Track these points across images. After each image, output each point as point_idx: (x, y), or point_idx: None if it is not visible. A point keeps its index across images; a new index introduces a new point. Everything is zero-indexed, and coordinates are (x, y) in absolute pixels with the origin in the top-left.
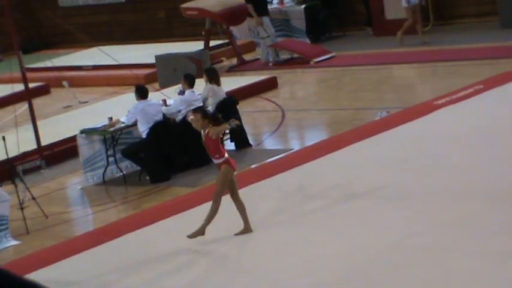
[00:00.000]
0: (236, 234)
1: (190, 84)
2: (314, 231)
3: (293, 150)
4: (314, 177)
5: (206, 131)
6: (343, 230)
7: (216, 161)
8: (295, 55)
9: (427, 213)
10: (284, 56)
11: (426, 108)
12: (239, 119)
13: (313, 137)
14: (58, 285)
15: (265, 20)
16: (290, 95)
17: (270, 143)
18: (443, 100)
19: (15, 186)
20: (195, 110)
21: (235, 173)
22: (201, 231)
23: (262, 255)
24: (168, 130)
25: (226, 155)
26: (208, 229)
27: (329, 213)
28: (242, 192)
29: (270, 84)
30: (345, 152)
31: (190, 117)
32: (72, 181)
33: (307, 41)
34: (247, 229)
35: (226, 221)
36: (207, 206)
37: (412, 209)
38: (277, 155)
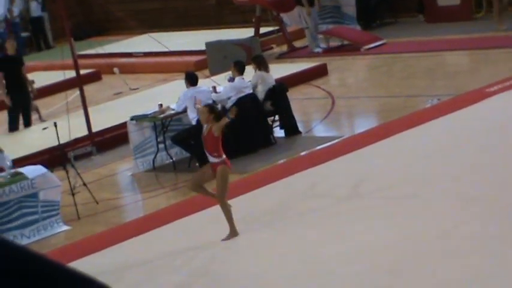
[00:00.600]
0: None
1: (240, 71)
2: (364, 218)
3: (343, 138)
4: (364, 164)
5: (209, 126)
6: (394, 218)
7: (212, 160)
8: (346, 42)
9: (477, 201)
10: (334, 42)
11: (478, 95)
12: (288, 106)
13: (363, 124)
14: (108, 271)
15: (312, 11)
16: (340, 82)
17: (319, 130)
18: (495, 87)
19: (67, 172)
20: (206, 104)
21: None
22: (233, 233)
23: (313, 241)
24: None
25: (224, 155)
26: (258, 218)
27: (378, 201)
28: (291, 180)
29: (320, 71)
30: (395, 140)
31: (199, 107)
32: (123, 167)
33: (358, 27)
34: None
35: (276, 208)
36: (255, 193)
37: (462, 198)
38: (327, 142)
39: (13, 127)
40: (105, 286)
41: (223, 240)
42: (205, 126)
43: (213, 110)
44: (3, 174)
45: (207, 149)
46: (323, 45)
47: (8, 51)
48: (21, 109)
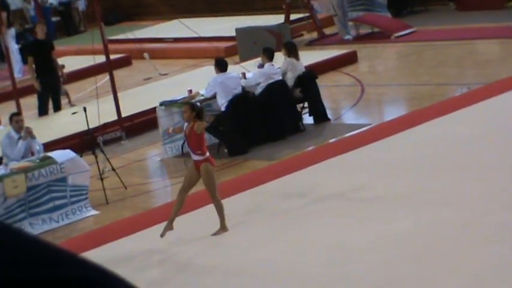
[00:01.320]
0: (162, 235)
1: (269, 57)
2: (391, 206)
3: (372, 125)
4: (393, 152)
5: (191, 124)
6: (422, 206)
7: (195, 157)
8: (376, 29)
9: (506, 191)
10: (365, 30)
11: (508, 84)
12: (318, 93)
13: (392, 112)
14: (136, 255)
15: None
16: (370, 70)
17: (348, 118)
18: None
19: (96, 156)
20: (188, 102)
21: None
22: (223, 228)
23: (340, 228)
24: (246, 103)
25: (207, 153)
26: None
27: (406, 189)
28: (320, 167)
29: (350, 59)
30: (424, 128)
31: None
32: (152, 152)
33: (389, 15)
34: (169, 226)
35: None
36: (284, 180)
37: (491, 187)
38: (356, 129)
39: (42, 111)
40: (113, 276)
41: (213, 235)
42: (186, 124)
43: (194, 108)
44: (32, 158)
45: (190, 146)
46: (353, 32)
47: (38, 36)
48: (51, 93)
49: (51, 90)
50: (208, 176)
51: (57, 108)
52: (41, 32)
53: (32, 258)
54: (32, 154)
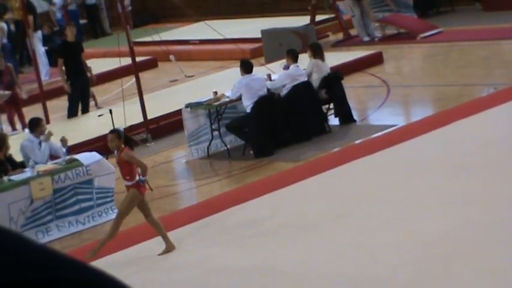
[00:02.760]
0: (159, 255)
1: (294, 59)
2: (420, 206)
3: (398, 126)
4: (419, 153)
5: (120, 152)
6: (450, 206)
7: (126, 183)
8: (402, 30)
9: None
10: (391, 31)
11: None
12: (343, 94)
13: (419, 113)
14: (161, 257)
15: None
16: (396, 71)
17: (374, 119)
18: None
19: None
20: (112, 130)
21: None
22: (97, 251)
23: (368, 229)
24: (272, 105)
25: (137, 178)
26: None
27: (433, 189)
28: (345, 168)
29: (376, 60)
30: (450, 129)
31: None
32: (177, 154)
33: (415, 16)
34: (169, 247)
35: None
36: (310, 181)
37: None
38: (382, 130)
39: (72, 113)
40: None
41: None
42: (115, 152)
43: (120, 136)
44: (58, 160)
45: (121, 173)
46: (378, 33)
47: (68, 38)
48: (80, 95)
49: (80, 92)
50: (130, 200)
51: (86, 110)
52: (70, 34)
53: (28, 261)
54: (54, 157)
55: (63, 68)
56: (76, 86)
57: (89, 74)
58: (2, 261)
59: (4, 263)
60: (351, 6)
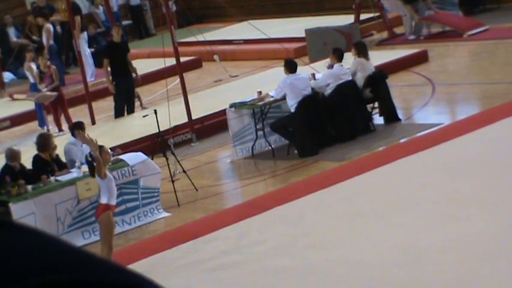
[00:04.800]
0: None
1: (339, 58)
2: (463, 206)
3: (443, 125)
4: (464, 151)
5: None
6: (493, 206)
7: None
8: (448, 28)
9: None
10: (436, 29)
11: None
12: (388, 92)
13: (464, 111)
14: (208, 257)
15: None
16: (441, 69)
17: (419, 117)
18: None
19: (167, 159)
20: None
21: None
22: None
23: (411, 229)
24: (316, 104)
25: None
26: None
27: (477, 189)
28: (391, 167)
29: (421, 58)
30: (496, 127)
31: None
32: (222, 154)
33: (460, 13)
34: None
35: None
36: (355, 180)
37: None
38: (427, 129)
39: (119, 114)
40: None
41: None
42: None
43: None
44: None
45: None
46: (425, 31)
47: (114, 38)
48: (126, 95)
49: (126, 93)
50: (105, 225)
51: (132, 110)
52: (116, 35)
53: (68, 263)
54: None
55: (109, 68)
56: (122, 86)
57: (134, 75)
58: (47, 262)
59: (49, 263)
60: (402, 4)
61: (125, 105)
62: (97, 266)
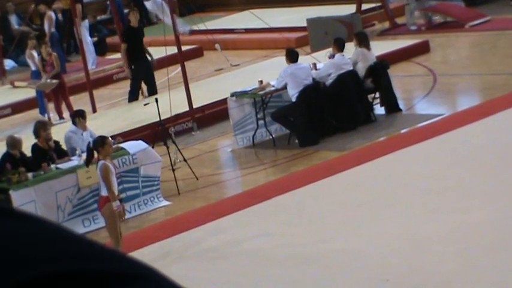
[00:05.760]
0: None
1: (340, 48)
2: (464, 197)
3: (444, 116)
4: (465, 142)
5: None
6: (495, 197)
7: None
8: (449, 19)
9: None
10: (438, 19)
11: None
12: (389, 83)
13: (465, 102)
14: (207, 246)
15: None
16: (442, 59)
17: (420, 108)
18: None
19: (167, 147)
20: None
21: None
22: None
23: (414, 219)
24: (317, 94)
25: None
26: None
27: (479, 179)
28: (391, 157)
29: (422, 49)
30: (497, 118)
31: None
32: (223, 143)
33: (462, 4)
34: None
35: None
36: (355, 171)
37: None
38: (428, 120)
39: (133, 97)
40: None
41: None
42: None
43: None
44: None
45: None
46: (423, 22)
47: (131, 23)
48: (144, 79)
49: (144, 76)
50: (109, 217)
51: (154, 91)
52: (134, 20)
53: (70, 252)
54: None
55: (126, 53)
56: (138, 70)
57: (149, 58)
58: (53, 251)
59: (56, 252)
60: None
61: (139, 89)
62: (100, 254)
